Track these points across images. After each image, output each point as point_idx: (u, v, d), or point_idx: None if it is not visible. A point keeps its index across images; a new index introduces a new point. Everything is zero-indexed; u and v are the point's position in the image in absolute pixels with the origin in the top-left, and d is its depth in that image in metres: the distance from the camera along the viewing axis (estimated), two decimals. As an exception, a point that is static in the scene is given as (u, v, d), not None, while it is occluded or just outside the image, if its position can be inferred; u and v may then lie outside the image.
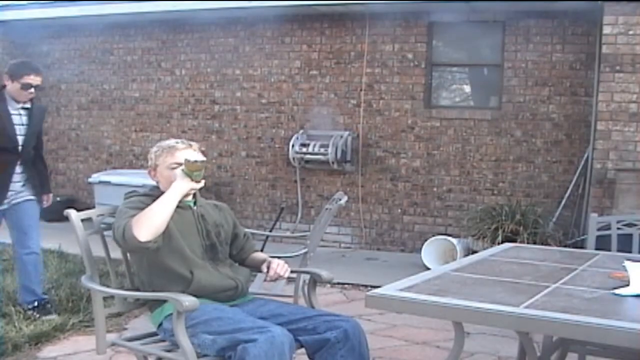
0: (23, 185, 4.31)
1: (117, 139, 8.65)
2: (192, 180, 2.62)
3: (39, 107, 4.47)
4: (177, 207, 2.65)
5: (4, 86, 4.19)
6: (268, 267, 2.80)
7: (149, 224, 2.49)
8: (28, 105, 4.28)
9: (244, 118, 7.93)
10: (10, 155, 4.22)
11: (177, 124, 8.29)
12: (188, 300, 2.34)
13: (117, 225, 2.54)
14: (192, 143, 2.80)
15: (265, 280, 3.44)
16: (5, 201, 4.27)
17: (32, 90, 4.17)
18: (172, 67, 8.28)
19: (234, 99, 7.97)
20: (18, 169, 4.28)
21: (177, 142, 2.77)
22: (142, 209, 2.56)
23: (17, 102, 4.19)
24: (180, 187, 2.61)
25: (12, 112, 4.18)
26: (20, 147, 4.25)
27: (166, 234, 2.57)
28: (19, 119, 4.21)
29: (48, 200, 4.59)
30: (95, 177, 7.49)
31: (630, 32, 5.79)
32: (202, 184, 2.67)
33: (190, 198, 2.76)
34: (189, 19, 7.89)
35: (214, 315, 2.47)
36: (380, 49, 7.31)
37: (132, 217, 2.52)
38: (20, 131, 4.23)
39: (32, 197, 4.37)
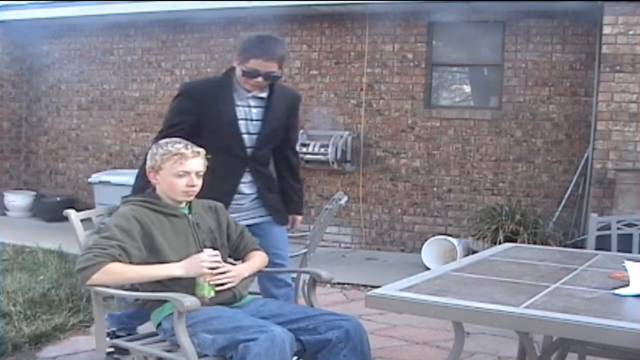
0: (254, 200, 3.26)
1: (117, 139, 8.65)
2: (198, 284, 2.56)
3: (283, 97, 3.24)
4: (171, 215, 2.64)
5: (232, 68, 3.15)
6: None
7: (112, 282, 2.47)
8: (262, 95, 3.17)
9: (244, 118, 7.92)
10: (236, 159, 3.16)
11: (177, 124, 8.28)
12: (189, 300, 2.33)
13: (90, 257, 2.43)
14: (200, 150, 2.70)
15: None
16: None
17: (260, 79, 3.04)
18: (172, 67, 8.27)
19: (234, 99, 7.96)
20: (246, 177, 3.21)
21: (185, 148, 2.65)
22: (132, 234, 2.50)
23: (247, 90, 3.13)
24: (177, 274, 2.54)
25: (238, 103, 3.13)
26: (249, 150, 3.17)
27: (156, 253, 2.56)
28: (244, 112, 3.14)
29: (294, 223, 3.53)
30: (95, 177, 7.49)
31: (630, 32, 5.79)
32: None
33: (184, 205, 2.72)
34: (189, 19, 7.89)
35: (214, 314, 2.47)
36: (380, 49, 7.30)
37: (110, 259, 2.43)
38: (246, 128, 3.15)
39: (267, 217, 3.30)
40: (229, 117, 3.10)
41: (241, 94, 3.12)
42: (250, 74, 3.03)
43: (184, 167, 2.64)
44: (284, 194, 3.42)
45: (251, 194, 3.22)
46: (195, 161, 2.68)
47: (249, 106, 3.15)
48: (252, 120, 3.15)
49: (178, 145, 2.67)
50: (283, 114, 3.23)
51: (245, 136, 3.14)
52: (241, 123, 3.13)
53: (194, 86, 3.30)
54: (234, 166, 3.16)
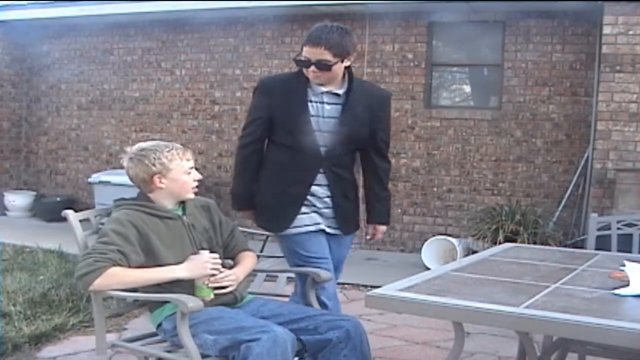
0: (329, 208, 3.01)
1: (117, 139, 8.64)
2: (197, 286, 2.56)
3: (365, 95, 3.01)
4: (165, 218, 2.63)
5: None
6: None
7: (114, 287, 2.46)
8: (338, 91, 2.95)
9: (244, 118, 7.87)
10: (309, 159, 2.95)
11: (177, 124, 8.29)
12: (192, 301, 2.33)
13: (91, 262, 2.40)
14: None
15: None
16: (295, 226, 2.97)
17: (313, 68, 2.85)
18: (172, 67, 8.28)
19: (234, 99, 7.97)
20: (321, 179, 2.97)
21: (180, 147, 2.67)
22: (129, 239, 2.48)
23: (318, 84, 2.92)
24: (180, 276, 2.53)
25: (311, 98, 2.93)
26: (322, 149, 2.94)
27: (153, 256, 2.55)
28: (316, 109, 2.93)
29: (376, 232, 3.24)
30: (95, 177, 7.50)
31: (630, 32, 5.79)
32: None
33: (178, 206, 2.71)
34: (189, 19, 7.89)
35: (215, 315, 2.47)
36: (380, 49, 7.30)
37: (111, 264, 2.41)
38: (318, 126, 2.92)
39: (337, 230, 3.05)
40: (300, 112, 2.91)
41: (315, 90, 2.93)
42: (302, 63, 2.87)
43: (190, 162, 2.68)
44: (368, 202, 3.20)
45: (325, 198, 2.99)
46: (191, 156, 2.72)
47: (322, 102, 2.95)
48: (323, 117, 2.94)
49: (170, 145, 2.67)
50: (364, 113, 2.98)
51: (317, 134, 2.92)
52: (313, 119, 2.92)
53: (267, 81, 3.18)
54: (307, 166, 2.95)
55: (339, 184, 3.01)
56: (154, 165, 2.60)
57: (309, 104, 2.93)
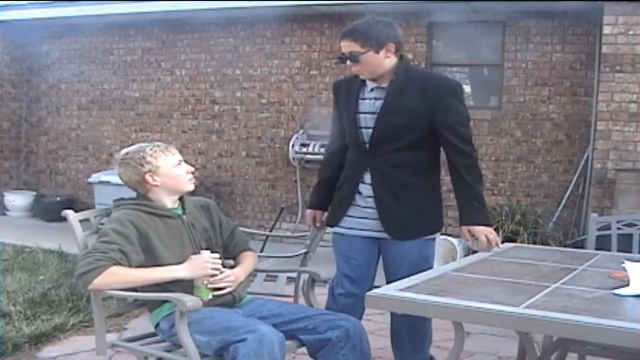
0: (374, 208, 2.90)
1: (117, 139, 8.64)
2: (195, 286, 2.56)
3: (413, 86, 2.84)
4: (165, 217, 2.63)
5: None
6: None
7: (114, 286, 2.46)
8: (384, 84, 2.87)
9: (244, 118, 7.93)
10: (358, 156, 2.94)
11: (177, 124, 8.29)
12: (191, 300, 2.33)
13: (91, 260, 2.41)
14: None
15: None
16: (339, 225, 2.99)
17: (349, 62, 2.85)
18: (172, 67, 8.27)
19: (234, 99, 7.97)
20: (367, 177, 2.91)
21: (158, 142, 2.75)
22: (129, 239, 2.49)
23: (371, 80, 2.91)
24: (180, 276, 2.54)
25: (366, 95, 2.91)
26: (366, 145, 2.89)
27: (152, 255, 2.55)
28: (366, 105, 2.90)
29: (472, 235, 2.87)
30: (95, 177, 7.50)
31: (630, 32, 5.79)
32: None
33: (177, 205, 2.72)
34: (189, 19, 7.89)
35: (207, 315, 2.46)
36: (380, 49, 7.29)
37: (112, 262, 2.41)
38: (365, 122, 2.88)
39: (385, 234, 2.90)
40: (349, 110, 2.92)
41: (369, 86, 2.91)
42: (341, 59, 2.91)
43: (177, 155, 2.71)
44: (457, 203, 2.93)
45: (367, 197, 2.90)
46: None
47: (372, 98, 2.89)
48: (371, 112, 2.87)
49: (151, 144, 2.71)
50: (415, 104, 2.82)
51: (363, 130, 2.88)
52: (360, 116, 2.89)
53: (336, 82, 3.20)
54: (356, 163, 2.94)
55: (385, 184, 2.87)
56: (141, 165, 2.64)
57: (361, 101, 2.91)
